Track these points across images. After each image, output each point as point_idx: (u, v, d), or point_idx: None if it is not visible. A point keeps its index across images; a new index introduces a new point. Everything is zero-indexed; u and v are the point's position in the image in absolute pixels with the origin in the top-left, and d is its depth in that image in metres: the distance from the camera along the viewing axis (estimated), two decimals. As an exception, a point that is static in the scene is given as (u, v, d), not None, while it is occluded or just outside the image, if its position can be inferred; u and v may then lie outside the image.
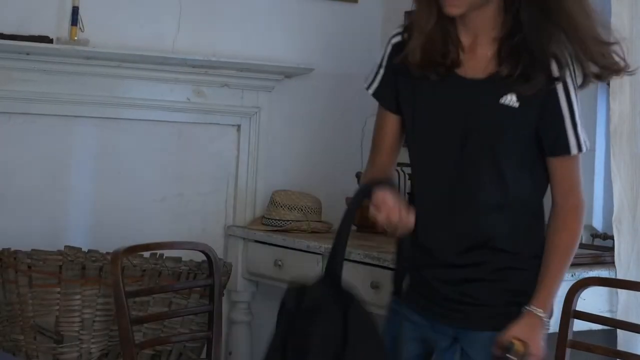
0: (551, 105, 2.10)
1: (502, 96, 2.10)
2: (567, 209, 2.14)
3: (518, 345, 2.04)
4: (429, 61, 2.14)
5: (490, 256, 2.14)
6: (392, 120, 2.28)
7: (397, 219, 2.07)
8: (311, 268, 3.33)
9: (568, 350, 2.60)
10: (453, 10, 2.10)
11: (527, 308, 2.10)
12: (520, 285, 2.14)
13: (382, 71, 2.25)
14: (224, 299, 3.46)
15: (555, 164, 2.14)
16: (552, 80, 2.08)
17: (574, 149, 2.12)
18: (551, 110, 2.10)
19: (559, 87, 2.09)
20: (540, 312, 2.09)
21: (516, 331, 2.07)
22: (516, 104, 2.10)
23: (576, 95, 2.11)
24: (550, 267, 2.12)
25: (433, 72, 2.15)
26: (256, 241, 3.67)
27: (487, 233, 2.14)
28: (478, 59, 2.14)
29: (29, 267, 3.22)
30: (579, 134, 2.12)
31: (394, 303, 2.28)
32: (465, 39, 2.15)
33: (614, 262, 2.94)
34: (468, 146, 2.14)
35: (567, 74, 2.08)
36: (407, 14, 3.96)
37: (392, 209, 2.07)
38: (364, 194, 2.15)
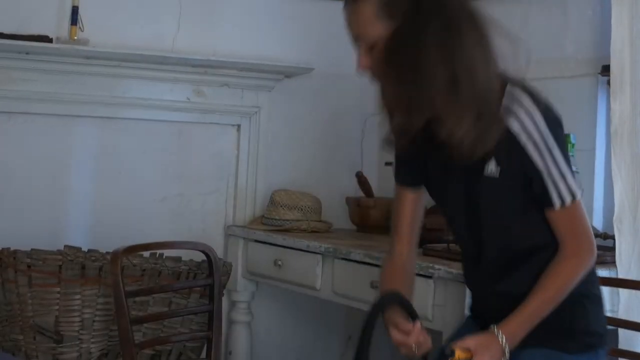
0: (526, 164, 2.09)
1: (484, 166, 2.12)
2: (564, 255, 2.14)
3: (459, 353, 2.04)
4: (414, 139, 2.14)
5: (517, 303, 2.16)
6: (409, 198, 2.32)
7: (425, 344, 2.14)
8: (311, 268, 3.33)
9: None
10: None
11: (493, 326, 2.12)
12: (553, 320, 2.15)
13: (396, 152, 2.31)
14: (224, 299, 3.46)
15: (549, 215, 2.14)
16: (514, 136, 2.07)
17: (556, 203, 2.10)
18: (528, 169, 2.09)
19: (528, 144, 2.07)
20: (501, 336, 2.10)
21: (469, 342, 2.09)
22: (497, 174, 2.11)
23: (547, 146, 2.07)
24: (531, 303, 2.12)
25: (423, 148, 2.17)
26: (256, 241, 3.67)
27: (509, 286, 2.18)
28: None
29: (29, 266, 3.22)
30: (559, 187, 2.09)
31: (467, 317, 2.40)
32: None
33: (614, 262, 2.94)
34: (472, 215, 2.19)
35: (530, 126, 2.06)
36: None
37: (421, 336, 2.13)
38: (377, 313, 2.14)
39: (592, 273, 2.23)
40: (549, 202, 2.11)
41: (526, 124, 2.06)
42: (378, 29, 2.06)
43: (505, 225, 2.17)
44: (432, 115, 2.03)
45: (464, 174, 2.16)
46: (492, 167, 2.12)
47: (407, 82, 2.01)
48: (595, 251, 2.17)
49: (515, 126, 2.07)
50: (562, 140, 2.10)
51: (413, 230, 2.34)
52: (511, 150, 2.08)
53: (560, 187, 2.09)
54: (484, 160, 2.11)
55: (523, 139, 2.07)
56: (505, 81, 2.10)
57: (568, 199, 2.09)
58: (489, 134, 2.04)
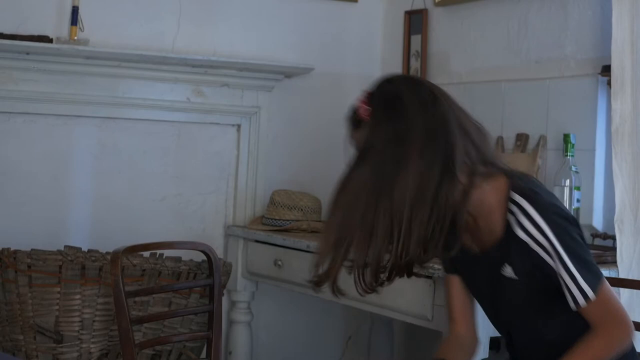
0: (543, 265, 2.10)
1: (501, 268, 2.16)
2: (595, 334, 2.12)
3: None
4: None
5: None
6: (456, 282, 2.36)
7: None
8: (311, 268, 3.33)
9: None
10: None
11: None
12: None
13: None
14: (224, 299, 3.46)
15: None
16: (524, 243, 2.09)
17: (573, 305, 2.10)
18: (545, 269, 2.10)
19: (539, 250, 2.09)
20: None
21: None
22: (514, 276, 2.14)
23: (555, 251, 2.07)
24: None
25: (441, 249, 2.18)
26: (256, 241, 3.67)
27: None
28: (482, 230, 2.17)
29: (29, 266, 3.22)
30: (572, 290, 2.08)
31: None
32: None
33: (615, 262, 2.94)
34: (499, 310, 2.25)
35: (535, 233, 2.07)
36: (407, 14, 3.97)
37: None
38: None
39: (633, 353, 2.21)
40: (569, 303, 2.12)
41: (531, 231, 2.08)
42: None
43: (530, 322, 2.20)
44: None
45: (486, 272, 2.20)
46: (508, 270, 2.16)
47: (344, 210, 2.12)
48: (631, 331, 2.14)
49: (521, 234, 2.09)
50: (571, 237, 2.08)
51: (466, 312, 2.38)
52: (523, 255, 2.11)
53: (573, 291, 2.09)
54: (500, 262, 2.15)
55: (532, 245, 2.09)
56: (508, 183, 2.12)
57: (581, 301, 2.09)
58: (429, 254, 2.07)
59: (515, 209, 2.09)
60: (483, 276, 2.22)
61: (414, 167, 2.02)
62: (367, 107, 2.12)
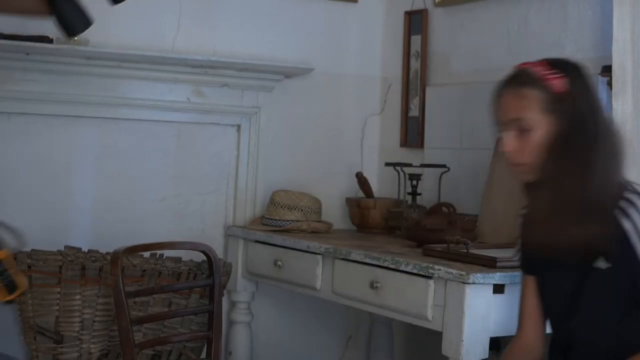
0: (634, 262, 2.15)
1: (595, 260, 2.20)
2: None
3: None
4: None
5: None
6: (529, 283, 2.41)
7: None
8: (311, 268, 3.33)
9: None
10: (525, 177, 2.24)
11: None
12: None
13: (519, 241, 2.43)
14: (224, 299, 3.46)
15: None
16: (626, 235, 2.15)
17: None
18: (635, 268, 2.16)
19: (636, 242, 2.15)
20: None
21: None
22: (605, 266, 2.18)
23: None
24: None
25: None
26: (256, 241, 3.66)
27: None
28: None
29: (29, 267, 3.22)
30: None
31: None
32: None
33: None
34: (570, 308, 2.26)
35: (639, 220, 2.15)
36: (407, 14, 3.97)
37: None
38: None
39: None
40: None
41: (637, 222, 2.15)
42: (539, 119, 2.18)
43: (601, 322, 2.22)
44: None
45: (575, 267, 2.24)
46: (602, 263, 2.19)
47: (574, 177, 2.16)
48: None
49: (628, 226, 2.15)
50: None
51: (537, 314, 2.41)
52: (622, 248, 2.15)
53: None
54: (596, 255, 2.19)
55: (632, 237, 2.15)
56: (624, 186, 2.21)
57: None
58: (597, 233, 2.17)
59: (625, 204, 2.16)
60: (569, 271, 2.24)
61: (604, 150, 2.18)
62: (561, 78, 2.18)
